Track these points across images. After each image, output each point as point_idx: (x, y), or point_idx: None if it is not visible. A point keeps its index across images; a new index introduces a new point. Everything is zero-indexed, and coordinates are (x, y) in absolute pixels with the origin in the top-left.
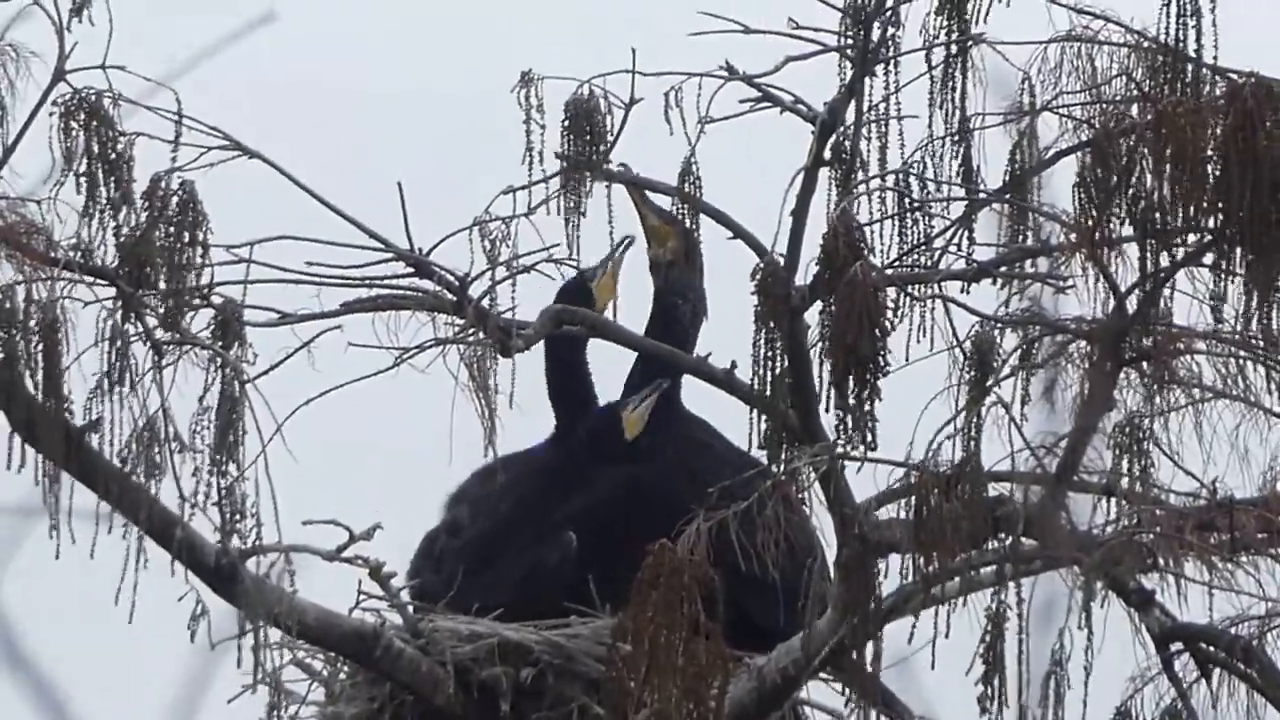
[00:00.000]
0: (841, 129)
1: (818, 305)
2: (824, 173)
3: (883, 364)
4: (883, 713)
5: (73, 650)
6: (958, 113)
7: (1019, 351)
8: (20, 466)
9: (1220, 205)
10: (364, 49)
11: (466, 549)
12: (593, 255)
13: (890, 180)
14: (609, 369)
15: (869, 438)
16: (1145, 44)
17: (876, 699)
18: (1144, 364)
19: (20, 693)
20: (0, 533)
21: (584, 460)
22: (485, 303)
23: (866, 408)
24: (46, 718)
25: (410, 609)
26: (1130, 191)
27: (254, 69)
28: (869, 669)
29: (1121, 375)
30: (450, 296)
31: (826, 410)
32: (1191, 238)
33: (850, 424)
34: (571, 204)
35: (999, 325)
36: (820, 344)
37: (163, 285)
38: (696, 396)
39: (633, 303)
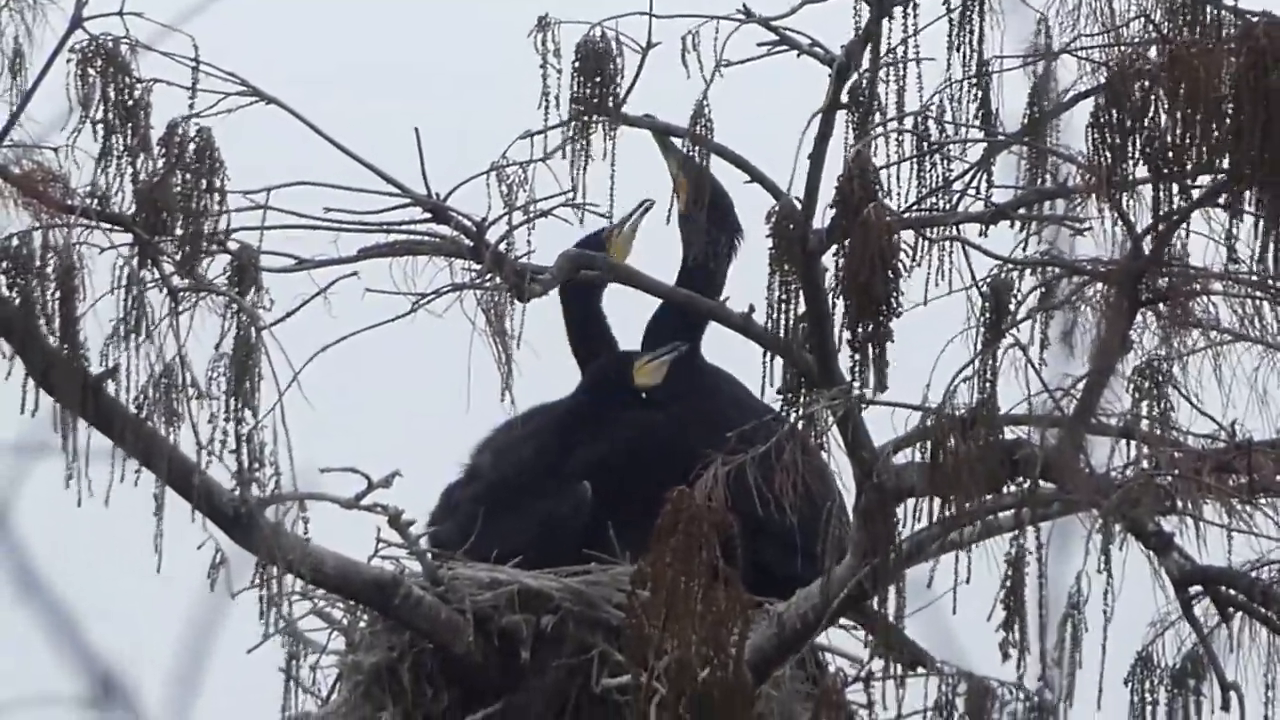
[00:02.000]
0: (859, 72)
1: (834, 249)
2: (841, 116)
3: (895, 305)
4: (906, 662)
5: (89, 591)
6: (976, 55)
7: (1036, 294)
8: (35, 410)
9: (1233, 145)
10: None
11: (485, 494)
12: (608, 199)
13: (908, 123)
14: (628, 322)
15: (881, 379)
16: None
17: (899, 645)
18: (1161, 305)
19: (35, 622)
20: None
21: (590, 404)
22: (502, 248)
23: (878, 349)
24: (61, 648)
25: (429, 556)
26: (1145, 133)
27: (268, 14)
28: (890, 616)
29: (1138, 317)
30: (467, 242)
31: (840, 352)
32: (1205, 178)
33: (863, 365)
34: (582, 149)
35: (1016, 267)
36: (838, 285)
37: (179, 231)
38: (715, 341)
39: (662, 255)
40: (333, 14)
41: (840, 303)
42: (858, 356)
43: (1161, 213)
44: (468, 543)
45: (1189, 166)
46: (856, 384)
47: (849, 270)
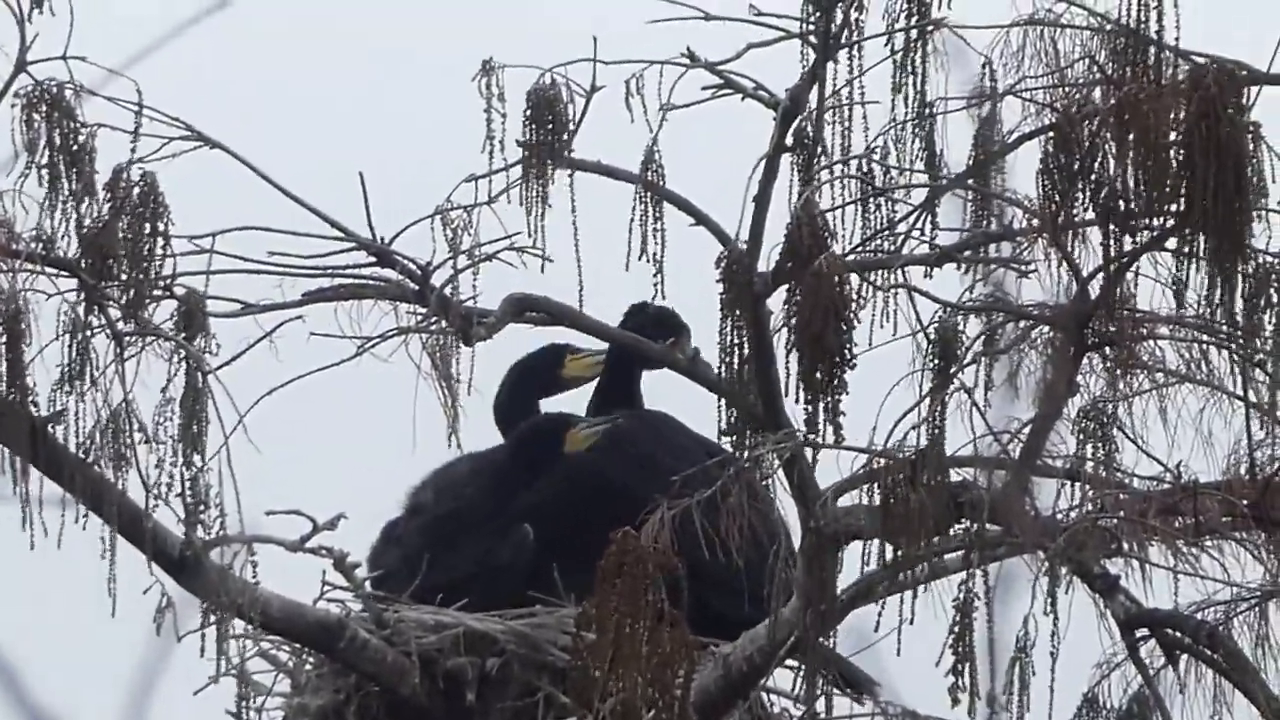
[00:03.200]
0: (803, 115)
1: (781, 292)
2: (786, 159)
3: (849, 356)
4: (850, 693)
5: (32, 635)
6: (920, 97)
7: (982, 338)
8: None
9: (1183, 191)
10: (324, 38)
11: (429, 528)
12: (554, 245)
13: (853, 166)
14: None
15: (837, 430)
16: (1108, 27)
17: (834, 686)
18: (1107, 349)
19: None
20: None
21: (526, 455)
22: (447, 291)
23: (834, 400)
24: (4, 695)
25: (375, 600)
26: (1093, 176)
27: (213, 58)
28: (834, 658)
29: (1085, 360)
30: (412, 285)
31: (794, 400)
32: (1154, 222)
33: (817, 416)
34: (534, 192)
35: (962, 312)
36: (785, 331)
37: (125, 276)
38: (662, 385)
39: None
40: (276, 58)
41: (791, 350)
42: (811, 408)
43: (1109, 256)
44: (414, 579)
45: (1136, 210)
46: (810, 435)
47: (801, 321)
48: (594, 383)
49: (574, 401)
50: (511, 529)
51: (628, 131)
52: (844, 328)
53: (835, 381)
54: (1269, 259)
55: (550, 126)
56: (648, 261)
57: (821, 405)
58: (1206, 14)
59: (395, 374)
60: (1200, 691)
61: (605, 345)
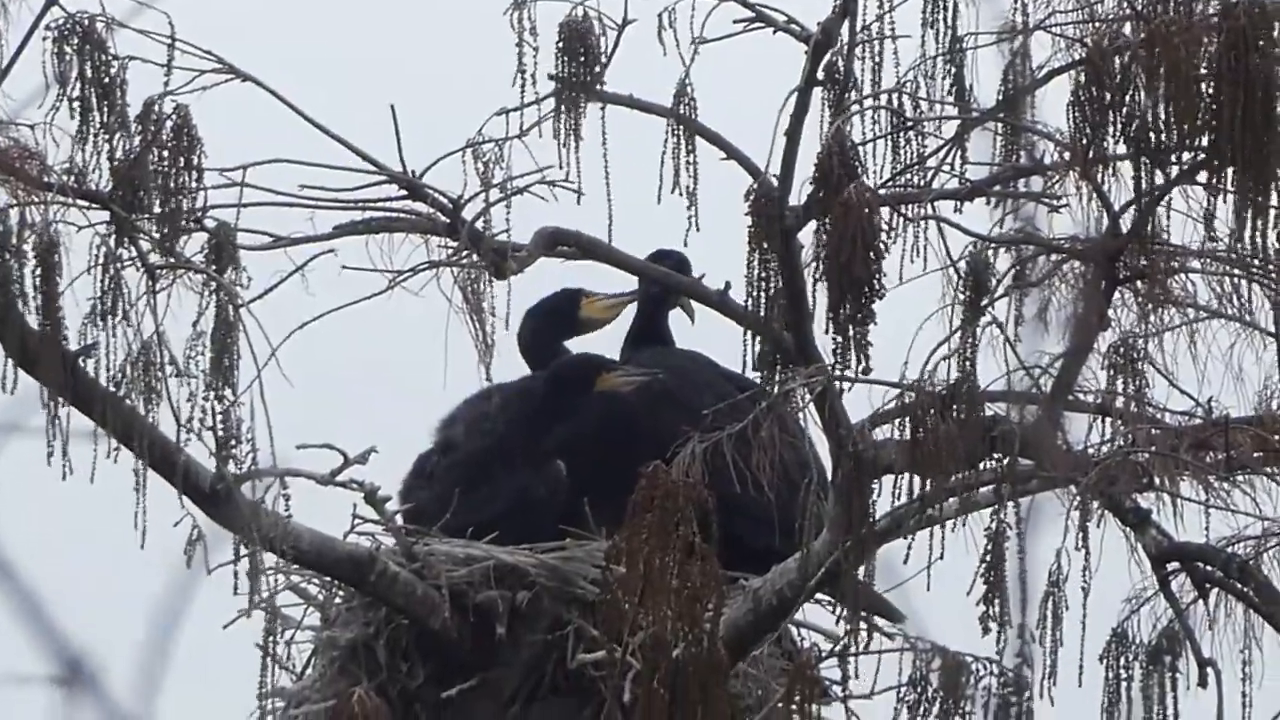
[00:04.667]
0: (835, 49)
1: (812, 226)
2: (818, 93)
3: (878, 286)
4: (879, 628)
5: (60, 569)
6: (950, 32)
7: (1013, 271)
8: (14, 388)
9: (1213, 123)
10: None
11: (460, 466)
12: (586, 179)
13: (884, 100)
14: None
15: (864, 361)
16: None
17: (867, 618)
18: (1138, 283)
19: (3, 603)
20: None
21: (558, 391)
22: (479, 225)
23: (861, 331)
24: (30, 629)
25: (405, 533)
26: (1124, 110)
27: None
28: (864, 588)
29: (1116, 294)
30: (444, 219)
31: (824, 332)
32: (1185, 155)
33: (846, 348)
34: (566, 126)
35: (993, 245)
36: (815, 265)
37: (157, 209)
38: (689, 319)
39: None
40: None
41: (819, 281)
42: (839, 339)
43: (1141, 190)
44: (444, 515)
45: (1168, 144)
46: (839, 366)
47: (830, 251)
48: (617, 323)
49: (606, 342)
50: (545, 465)
51: (660, 65)
52: (873, 257)
53: (863, 312)
54: None
55: (582, 60)
56: (680, 195)
57: (850, 337)
58: None
59: (427, 308)
60: (1230, 626)
61: (621, 288)
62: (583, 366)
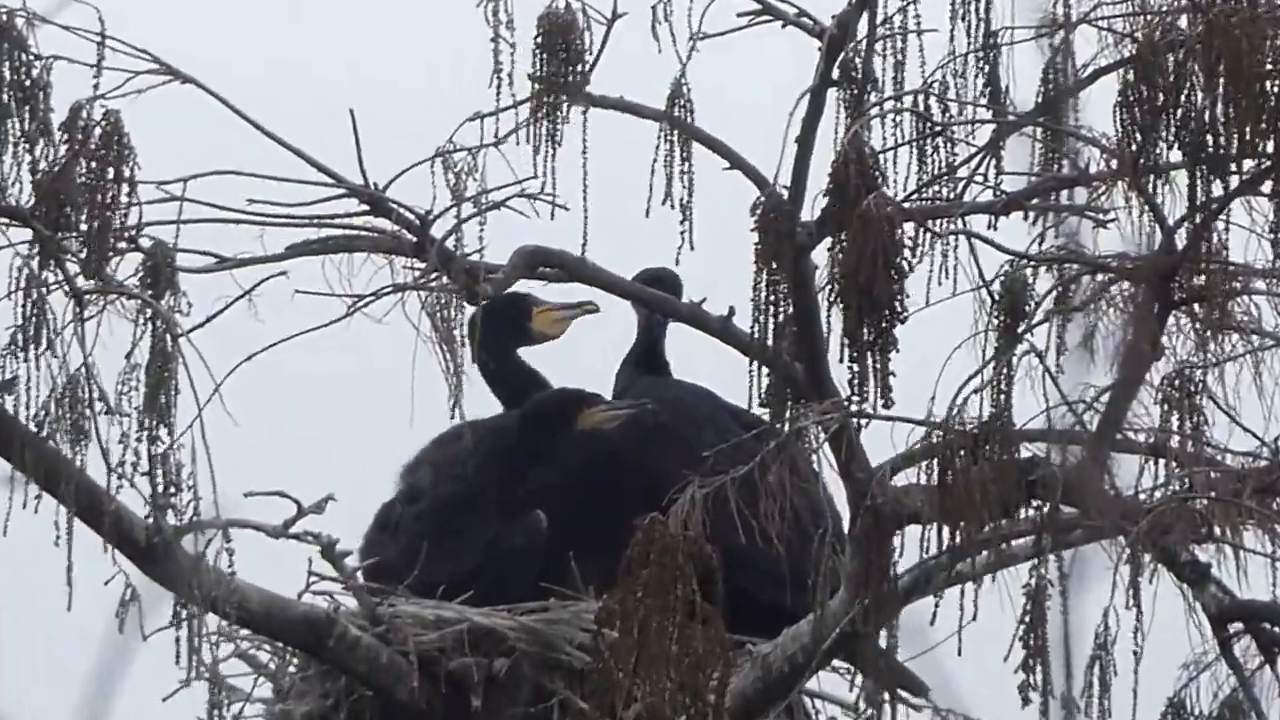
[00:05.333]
0: (852, 45)
1: (826, 243)
2: (833, 94)
3: (900, 309)
4: (901, 700)
5: None
6: (983, 26)
7: (1054, 294)
8: None
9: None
10: None
11: (428, 516)
12: (568, 190)
13: (907, 102)
14: None
15: (885, 393)
16: None
17: (892, 689)
18: (1195, 306)
19: None
20: None
21: (534, 432)
22: (449, 244)
23: (882, 359)
24: None
25: (367, 592)
26: (1179, 112)
27: None
28: (884, 658)
29: (1170, 319)
30: (410, 237)
31: (839, 361)
32: (1248, 163)
33: (864, 377)
34: (544, 132)
35: (1031, 264)
36: (829, 287)
37: (84, 227)
38: (690, 349)
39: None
40: None
41: (834, 305)
42: (857, 368)
43: (1197, 202)
44: (412, 570)
45: (1228, 150)
46: (855, 398)
47: (846, 270)
48: (613, 348)
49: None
50: (521, 513)
51: (653, 64)
52: (895, 276)
53: (884, 338)
54: None
55: (564, 58)
56: (673, 207)
57: (869, 365)
58: None
59: (391, 336)
60: None
61: (578, 301)
62: (560, 403)
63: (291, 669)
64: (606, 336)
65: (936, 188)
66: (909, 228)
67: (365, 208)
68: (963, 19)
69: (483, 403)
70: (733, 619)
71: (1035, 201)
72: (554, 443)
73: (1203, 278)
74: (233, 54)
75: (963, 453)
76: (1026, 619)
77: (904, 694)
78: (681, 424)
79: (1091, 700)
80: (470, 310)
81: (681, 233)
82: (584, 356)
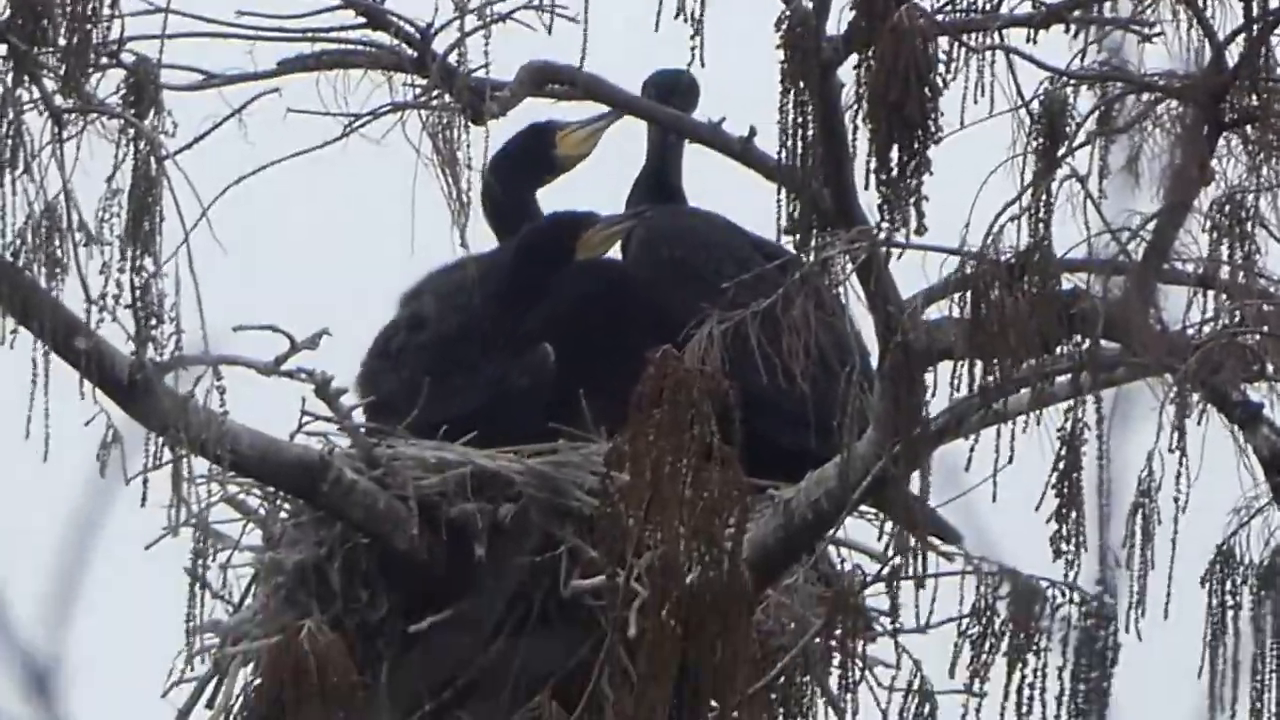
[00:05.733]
0: None
1: (854, 60)
2: None
3: (933, 128)
4: (933, 548)
5: None
6: None
7: (1097, 113)
8: None
9: None
10: None
11: (431, 348)
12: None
13: None
14: None
15: (917, 218)
16: None
17: (923, 537)
18: (1247, 127)
19: None
20: None
21: (530, 265)
22: (452, 59)
23: (914, 181)
24: None
25: (364, 432)
26: None
27: None
28: (915, 503)
29: (1220, 141)
30: (410, 52)
31: (866, 188)
32: None
33: (894, 201)
34: None
35: (1072, 81)
36: (857, 106)
37: (63, 41)
38: (708, 173)
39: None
40: None
41: (863, 126)
42: (887, 191)
43: (1251, 14)
44: (413, 408)
45: None
46: (885, 224)
47: (875, 87)
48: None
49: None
50: (528, 348)
51: None
52: (928, 93)
53: (917, 159)
54: None
55: None
56: (684, 21)
57: (900, 190)
58: None
59: (390, 159)
60: None
61: (602, 112)
62: (556, 229)
63: (283, 515)
64: (631, 155)
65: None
66: (942, 42)
67: (362, 20)
68: None
69: (486, 231)
70: (752, 465)
71: (1077, 14)
72: (555, 274)
73: (1256, 97)
74: None
75: (999, 284)
76: (1060, 464)
77: (936, 542)
78: (697, 254)
79: (1133, 550)
80: (475, 131)
81: (692, 49)
82: (609, 181)
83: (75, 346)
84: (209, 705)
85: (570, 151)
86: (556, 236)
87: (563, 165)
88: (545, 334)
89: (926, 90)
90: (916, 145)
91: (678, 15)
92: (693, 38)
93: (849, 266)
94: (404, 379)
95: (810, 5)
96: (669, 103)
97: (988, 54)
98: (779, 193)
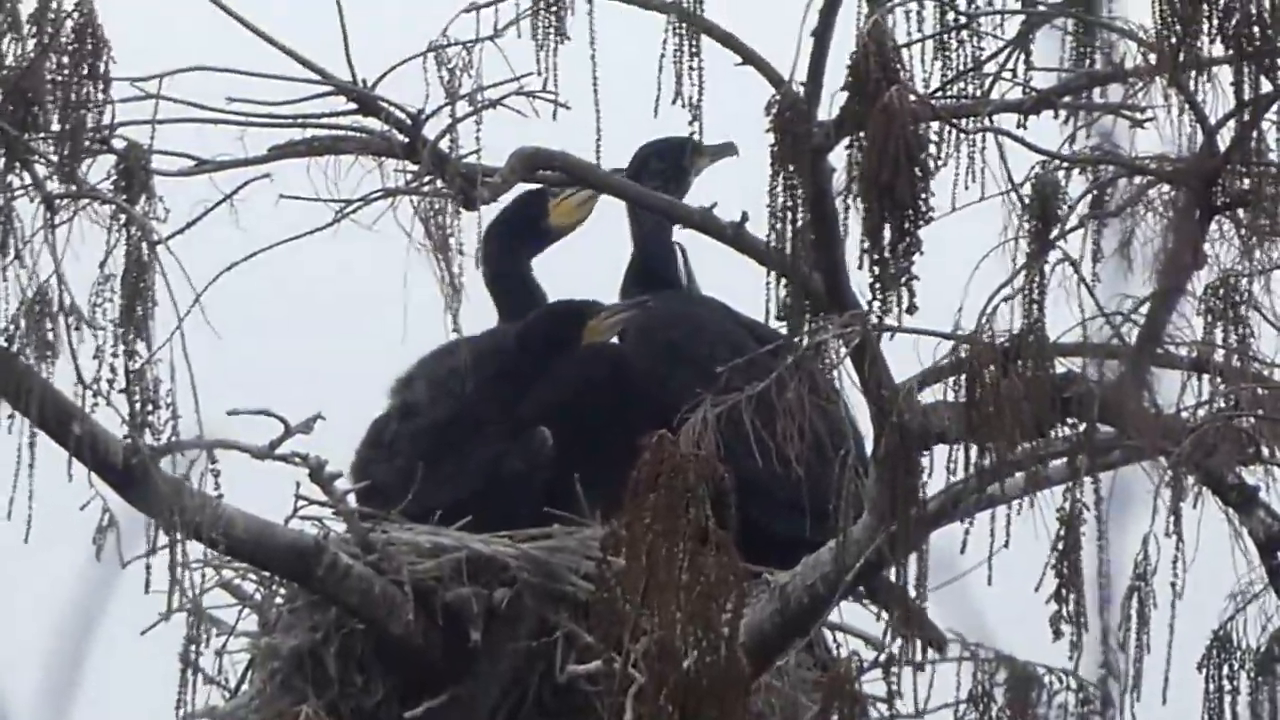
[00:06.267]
0: None
1: (845, 143)
2: None
3: (924, 209)
4: (932, 634)
5: None
6: None
7: (1089, 197)
8: None
9: None
10: None
11: (424, 434)
12: (571, 88)
13: None
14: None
15: (909, 298)
16: None
17: (920, 623)
18: (1239, 211)
19: None
20: None
21: (535, 351)
22: (443, 145)
23: (905, 263)
24: None
25: (359, 516)
26: (1222, 1)
27: None
28: (905, 603)
29: (1212, 225)
30: (401, 138)
31: (860, 267)
32: None
33: (885, 283)
34: (545, 25)
35: (1064, 165)
36: (848, 190)
37: (55, 127)
38: (701, 257)
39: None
40: None
41: (854, 209)
42: (878, 273)
43: (1242, 99)
44: (407, 494)
45: (1275, 42)
46: (876, 307)
47: (867, 169)
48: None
49: (600, 286)
50: (525, 432)
51: None
52: (919, 174)
53: (908, 239)
54: None
55: None
56: (682, 106)
57: (891, 271)
58: None
59: (381, 244)
60: None
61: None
62: (561, 317)
63: (279, 600)
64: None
65: (962, 84)
66: (934, 126)
67: (353, 106)
68: None
69: (479, 316)
70: (747, 552)
71: (1068, 99)
72: (557, 361)
73: (1247, 180)
74: None
75: (993, 367)
76: (1059, 546)
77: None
78: (692, 339)
79: (1129, 634)
80: (466, 216)
81: (691, 134)
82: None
83: (70, 431)
84: None
85: (562, 220)
86: (562, 325)
87: (555, 234)
88: (543, 418)
89: (917, 171)
90: (907, 226)
91: (674, 100)
92: (691, 123)
93: (842, 350)
94: (397, 467)
95: (801, 90)
96: (673, 171)
97: (979, 137)
98: (767, 276)
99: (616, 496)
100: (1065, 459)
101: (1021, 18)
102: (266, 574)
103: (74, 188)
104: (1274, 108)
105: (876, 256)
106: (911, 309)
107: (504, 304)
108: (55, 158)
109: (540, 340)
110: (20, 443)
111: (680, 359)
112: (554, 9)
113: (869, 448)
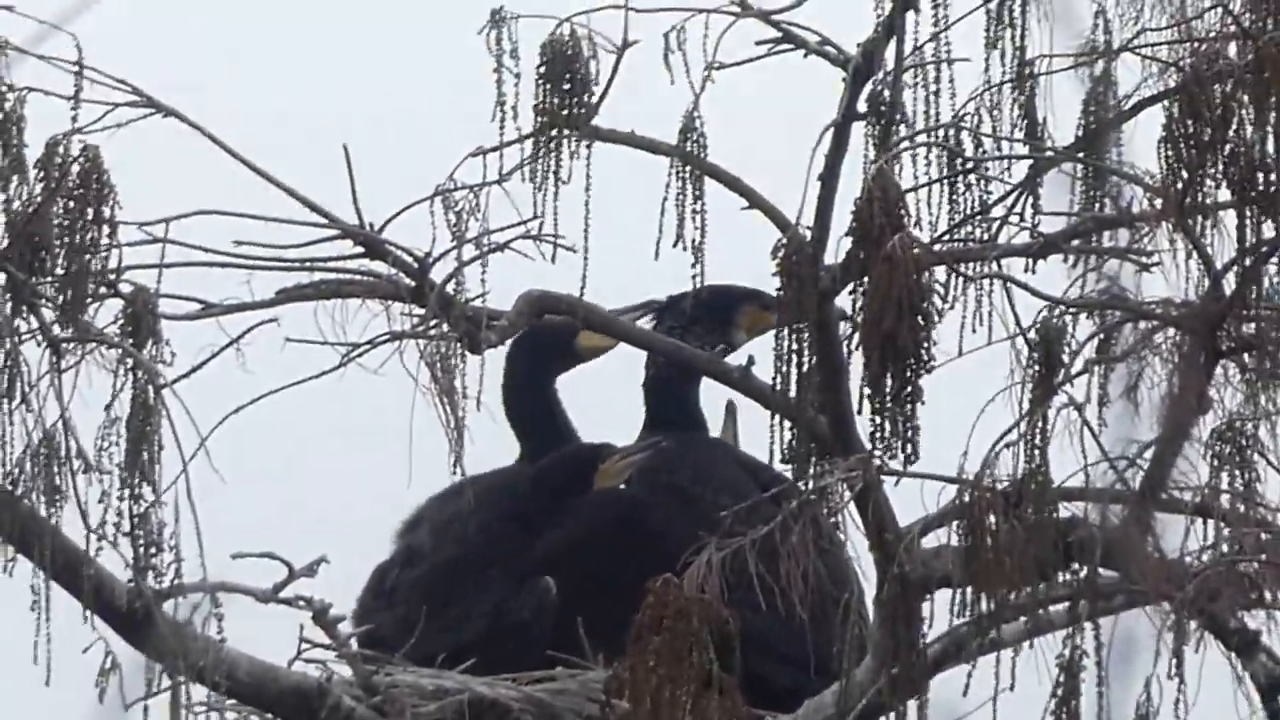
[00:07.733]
0: (879, 75)
1: (850, 289)
2: (859, 128)
3: (926, 358)
4: None
5: None
6: (1018, 55)
7: (1094, 342)
8: None
9: None
10: None
11: (427, 580)
12: (576, 230)
13: (938, 136)
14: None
15: (908, 447)
16: None
17: None
18: (1245, 356)
19: None
20: None
21: (548, 496)
22: (450, 288)
23: (906, 410)
24: None
25: (362, 660)
26: (1227, 147)
27: (166, 9)
28: None
29: (1218, 370)
30: (408, 281)
31: (859, 412)
32: None
33: (887, 429)
34: (546, 169)
35: (1070, 310)
36: (853, 334)
37: (61, 271)
38: (707, 401)
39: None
40: (241, 8)
41: (859, 355)
42: (880, 419)
43: (1247, 244)
44: (409, 640)
45: None
46: (879, 452)
47: (870, 316)
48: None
49: (617, 428)
50: (529, 580)
51: (666, 95)
52: (921, 323)
53: (909, 387)
54: None
55: (569, 89)
56: (684, 249)
57: (893, 418)
58: None
59: (388, 387)
60: None
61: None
62: (574, 462)
63: None
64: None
65: (969, 228)
66: (939, 271)
67: (360, 250)
68: (996, 47)
69: (484, 457)
70: (750, 696)
71: (1074, 244)
72: (569, 505)
73: (1253, 325)
74: (218, 85)
75: (996, 512)
76: (1059, 691)
77: None
78: (694, 482)
79: None
80: (471, 360)
81: (693, 276)
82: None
83: (80, 577)
84: None
85: (593, 343)
86: (575, 469)
87: (584, 356)
88: (551, 563)
89: (920, 319)
90: (909, 374)
91: (676, 243)
92: (693, 265)
93: (847, 495)
94: (399, 616)
95: (808, 233)
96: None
97: (985, 282)
98: (772, 418)
99: (620, 640)
100: (1068, 604)
101: (1029, 162)
102: (270, 717)
103: (80, 332)
104: (1278, 252)
105: (878, 405)
106: (912, 458)
107: (523, 424)
108: (61, 301)
109: (552, 485)
110: (35, 583)
111: (681, 499)
112: (556, 153)
113: (872, 592)
